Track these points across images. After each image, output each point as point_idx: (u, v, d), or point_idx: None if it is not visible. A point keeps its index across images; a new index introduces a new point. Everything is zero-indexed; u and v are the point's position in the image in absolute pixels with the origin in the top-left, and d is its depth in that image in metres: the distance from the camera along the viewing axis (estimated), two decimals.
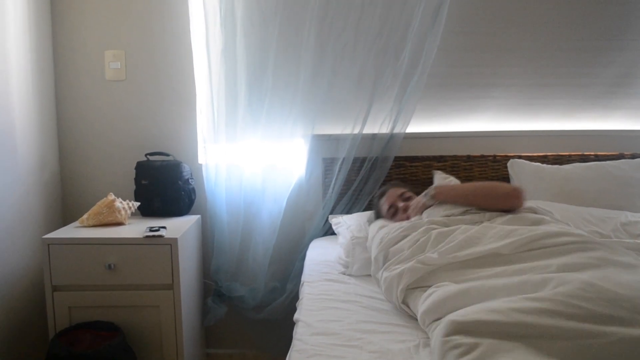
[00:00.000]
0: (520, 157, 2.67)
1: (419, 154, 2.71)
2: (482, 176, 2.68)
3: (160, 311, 2.21)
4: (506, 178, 2.65)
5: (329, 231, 2.60)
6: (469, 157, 2.70)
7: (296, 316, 1.77)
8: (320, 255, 2.36)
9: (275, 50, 2.55)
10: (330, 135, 2.67)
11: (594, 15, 2.71)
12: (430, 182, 2.63)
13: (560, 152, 2.73)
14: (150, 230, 2.24)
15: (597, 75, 2.77)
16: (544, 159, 2.68)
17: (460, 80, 2.77)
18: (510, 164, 2.64)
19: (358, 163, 2.64)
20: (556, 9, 2.71)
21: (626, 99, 2.77)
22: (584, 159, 2.68)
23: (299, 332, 1.63)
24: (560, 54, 2.74)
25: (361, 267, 2.13)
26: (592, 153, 2.71)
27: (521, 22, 2.72)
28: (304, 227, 2.70)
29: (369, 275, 2.08)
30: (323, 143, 2.68)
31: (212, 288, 2.70)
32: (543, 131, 2.77)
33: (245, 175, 2.64)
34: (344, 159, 2.62)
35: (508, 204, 1.86)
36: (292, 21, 2.56)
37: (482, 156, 2.70)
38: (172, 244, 2.19)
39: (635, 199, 2.49)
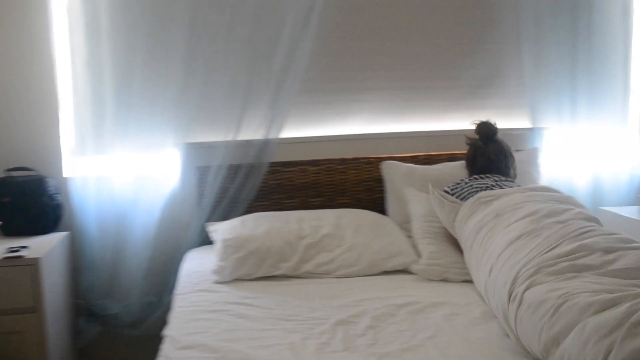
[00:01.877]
0: (393, 158, 2.87)
1: (295, 158, 2.85)
2: (357, 179, 2.86)
3: (24, 337, 2.20)
4: (379, 179, 2.84)
5: (207, 241, 2.67)
6: (343, 160, 2.87)
7: (165, 331, 1.84)
8: (196, 266, 2.43)
9: (143, 59, 2.59)
10: (203, 143, 2.75)
11: (455, 21, 2.96)
12: (303, 186, 2.79)
13: (430, 152, 2.96)
14: (10, 251, 2.22)
15: (460, 77, 3.02)
16: (415, 159, 2.90)
17: (334, 84, 2.93)
18: (383, 165, 2.83)
19: (233, 170, 2.73)
20: (421, 15, 2.93)
21: (489, 99, 3.05)
22: (452, 157, 2.92)
23: (165, 348, 1.70)
24: (426, 57, 2.97)
25: (234, 270, 2.23)
26: (460, 152, 2.95)
27: (390, 27, 2.92)
28: (180, 238, 2.76)
29: (241, 280, 2.20)
30: (196, 151, 2.75)
31: (83, 307, 2.70)
32: (414, 132, 2.99)
33: (115, 188, 2.66)
34: (218, 166, 2.71)
35: None
36: (160, 29, 2.61)
37: (356, 159, 2.88)
38: (34, 264, 2.18)
39: None
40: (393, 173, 2.79)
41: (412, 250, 2.39)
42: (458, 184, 2.46)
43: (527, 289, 1.60)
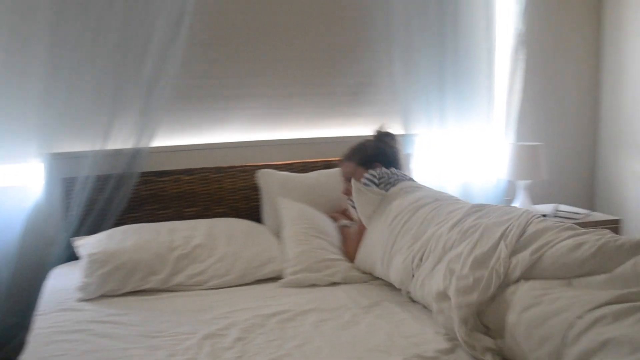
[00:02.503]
0: (269, 166, 2.91)
1: (168, 167, 2.82)
2: (233, 187, 2.88)
3: None
4: (255, 187, 2.87)
5: (74, 257, 2.58)
6: (218, 168, 2.87)
7: (21, 356, 1.76)
8: (61, 283, 2.34)
9: (2, 64, 2.48)
10: (69, 153, 2.66)
11: (330, 29, 3.06)
12: (178, 196, 2.77)
13: (306, 160, 3.02)
14: None
15: (338, 84, 3.11)
16: (290, 167, 2.95)
17: (210, 91, 2.93)
18: (259, 174, 2.86)
19: (102, 181, 2.66)
20: (296, 22, 3.00)
21: (363, 107, 3.16)
22: (327, 165, 3.00)
23: None
24: (302, 65, 3.03)
25: (99, 286, 2.18)
26: (336, 159, 3.03)
27: (265, 33, 2.97)
28: (45, 254, 2.65)
29: (108, 296, 2.15)
30: (62, 162, 2.66)
31: None
32: (290, 140, 3.05)
33: None
34: (86, 177, 2.63)
35: None
36: (18, 34, 2.51)
37: (232, 167, 2.89)
38: None
39: None
40: (268, 181, 2.82)
41: (284, 257, 2.43)
42: (383, 174, 2.48)
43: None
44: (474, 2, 3.14)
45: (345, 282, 2.30)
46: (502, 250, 1.71)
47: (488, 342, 1.60)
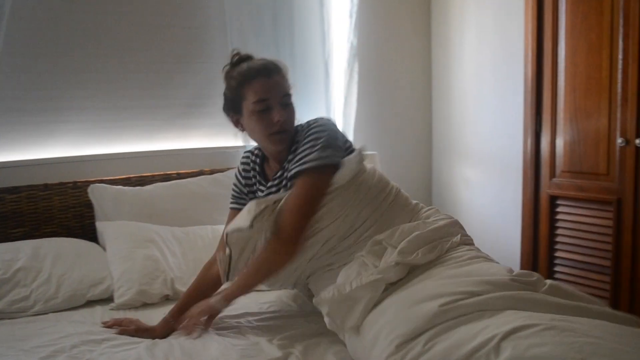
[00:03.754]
0: (102, 181, 2.85)
1: None
2: (63, 205, 2.79)
3: None
4: (89, 204, 2.80)
5: None
6: (46, 185, 2.77)
7: None
8: None
9: None
10: None
11: (163, 39, 3.05)
12: (2, 216, 2.64)
13: (144, 173, 3.00)
14: None
15: (173, 96, 3.12)
16: (127, 182, 2.92)
17: (31, 104, 2.79)
18: (90, 189, 2.79)
19: None
20: (128, 33, 2.96)
21: (202, 119, 3.19)
22: (166, 178, 3.00)
23: None
24: (135, 76, 3.00)
25: None
26: (175, 172, 3.05)
27: (96, 44, 2.90)
28: None
29: None
30: None
31: None
32: (125, 153, 3.01)
33: None
34: None
35: (288, 260, 1.81)
36: None
37: (62, 184, 2.80)
38: None
39: (213, 213, 2.90)
40: (101, 197, 2.77)
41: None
42: None
43: None
44: (309, 16, 3.28)
45: (177, 297, 2.33)
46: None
47: None
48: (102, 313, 2.23)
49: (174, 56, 3.09)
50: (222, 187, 2.95)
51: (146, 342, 1.91)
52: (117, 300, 2.28)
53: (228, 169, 3.10)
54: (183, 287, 2.36)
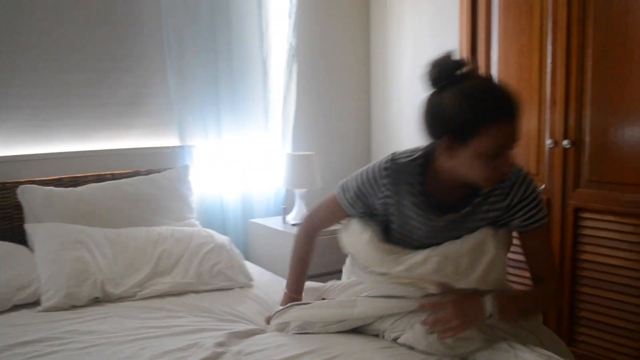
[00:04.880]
0: (33, 182, 2.81)
1: None
2: None
3: None
4: (18, 206, 2.76)
5: None
6: None
7: None
8: None
9: None
10: None
11: (97, 37, 3.03)
12: None
13: (77, 174, 2.97)
14: None
15: (109, 95, 3.10)
16: (59, 182, 2.88)
17: None
18: (20, 190, 2.75)
19: None
20: (60, 30, 2.93)
21: (138, 118, 3.18)
22: (100, 178, 2.98)
23: None
24: (68, 74, 2.97)
25: None
26: (109, 172, 3.03)
27: (27, 41, 2.86)
28: None
29: None
30: None
31: None
32: (58, 153, 2.97)
33: None
34: None
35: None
36: None
37: None
38: None
39: (148, 214, 2.89)
40: (30, 198, 2.73)
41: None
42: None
43: None
44: (247, 15, 3.30)
45: (108, 299, 2.33)
46: None
47: None
48: (31, 316, 2.21)
49: (110, 55, 3.08)
50: (158, 187, 2.96)
51: (79, 344, 1.91)
52: (44, 304, 2.26)
53: (165, 169, 3.10)
54: (114, 289, 2.37)
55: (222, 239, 2.77)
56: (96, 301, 2.33)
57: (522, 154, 2.91)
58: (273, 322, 2.00)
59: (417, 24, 3.58)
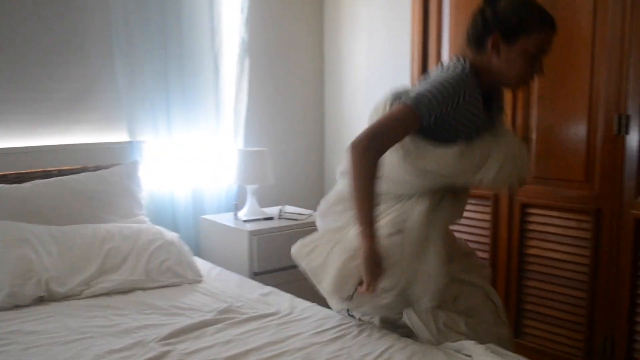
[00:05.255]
0: None
1: None
2: None
3: None
4: None
5: None
6: None
7: None
8: None
9: None
10: None
11: (42, 31, 2.96)
12: None
13: (22, 170, 2.90)
14: None
15: (56, 89, 3.03)
16: (3, 179, 2.81)
17: None
18: None
19: None
20: (4, 22, 2.86)
21: (85, 113, 3.12)
22: (46, 175, 2.91)
23: None
24: (13, 67, 2.90)
25: None
26: (56, 169, 2.97)
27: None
28: None
29: None
30: None
31: None
32: (2, 149, 2.90)
33: None
34: None
35: None
36: None
37: None
38: None
39: (96, 211, 2.84)
40: None
41: None
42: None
43: None
44: (198, 9, 3.28)
45: (53, 298, 2.29)
46: None
47: None
48: None
49: (56, 48, 3.01)
50: (106, 184, 2.92)
51: (18, 347, 1.87)
52: None
53: (113, 165, 3.06)
54: (59, 288, 2.33)
55: (172, 235, 2.75)
56: (41, 300, 2.29)
57: None
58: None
59: (371, 19, 3.60)
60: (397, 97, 1.94)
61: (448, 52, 3.07)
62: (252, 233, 3.00)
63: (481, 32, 1.82)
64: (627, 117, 2.40)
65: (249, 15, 3.45)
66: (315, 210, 3.60)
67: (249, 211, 3.25)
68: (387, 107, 1.94)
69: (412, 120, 1.78)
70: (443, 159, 1.84)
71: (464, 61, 1.84)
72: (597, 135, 2.50)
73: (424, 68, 3.18)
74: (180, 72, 3.24)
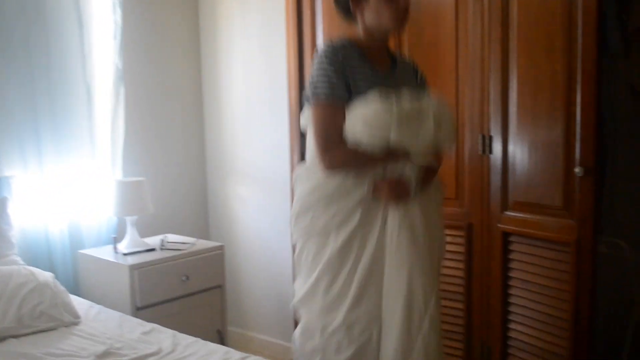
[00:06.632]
0: None
1: None
2: None
3: None
4: None
5: None
6: None
7: None
8: None
9: None
10: None
11: None
12: None
13: None
14: None
15: None
16: None
17: None
18: None
19: None
20: None
21: None
22: None
23: None
24: None
25: None
26: None
27: None
28: None
29: None
30: None
31: None
32: None
33: None
34: None
35: None
36: None
37: None
38: None
39: None
40: None
41: None
42: None
43: None
44: (67, 38, 3.15)
45: None
46: None
47: None
48: None
49: None
50: None
51: None
52: None
53: None
54: None
55: (45, 276, 2.63)
56: None
57: None
58: None
59: (247, 48, 3.63)
60: (305, 99, 2.00)
61: None
62: (133, 267, 2.91)
63: (343, 3, 1.99)
64: (490, 138, 2.56)
65: (122, 42, 3.36)
66: (198, 237, 3.59)
67: (130, 243, 3.16)
68: (307, 111, 2.01)
69: (333, 110, 1.89)
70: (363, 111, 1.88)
71: (330, 41, 1.97)
72: (464, 155, 2.65)
73: (300, 95, 3.24)
74: (50, 101, 3.10)
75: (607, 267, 2.58)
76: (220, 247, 3.34)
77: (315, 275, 1.96)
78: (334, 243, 1.92)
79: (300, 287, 2.04)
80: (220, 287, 3.29)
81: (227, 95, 3.78)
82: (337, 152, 1.89)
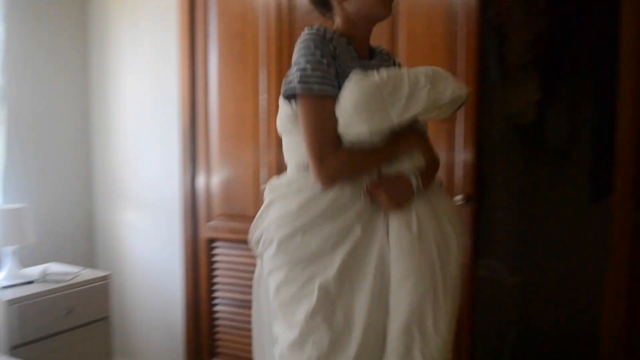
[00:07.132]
0: None
1: None
2: None
3: None
4: None
5: None
6: None
7: None
8: None
9: None
10: None
11: None
12: None
13: None
14: None
15: None
16: None
17: None
18: None
19: None
20: None
21: None
22: None
23: None
24: None
25: None
26: None
27: None
28: None
29: None
30: None
31: None
32: None
33: None
34: None
35: None
36: None
37: None
38: None
39: None
40: None
41: None
42: None
43: None
44: None
45: None
46: None
47: None
48: None
49: None
50: None
51: None
52: None
53: None
54: None
55: None
56: None
57: (241, 197, 3.05)
58: None
59: (137, 67, 3.51)
60: (286, 93, 1.66)
61: (217, 101, 3.14)
62: (10, 302, 2.71)
63: None
64: None
65: (4, 58, 3.18)
66: (84, 265, 3.43)
67: (8, 275, 2.95)
68: (283, 112, 1.71)
69: (330, 104, 1.59)
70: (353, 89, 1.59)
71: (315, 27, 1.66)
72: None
73: (192, 116, 3.21)
74: None
75: (486, 289, 2.69)
76: (107, 277, 3.19)
77: (306, 312, 1.58)
78: (330, 269, 1.56)
79: (285, 332, 1.64)
80: (106, 319, 3.15)
81: (116, 116, 3.64)
82: (334, 161, 1.57)
